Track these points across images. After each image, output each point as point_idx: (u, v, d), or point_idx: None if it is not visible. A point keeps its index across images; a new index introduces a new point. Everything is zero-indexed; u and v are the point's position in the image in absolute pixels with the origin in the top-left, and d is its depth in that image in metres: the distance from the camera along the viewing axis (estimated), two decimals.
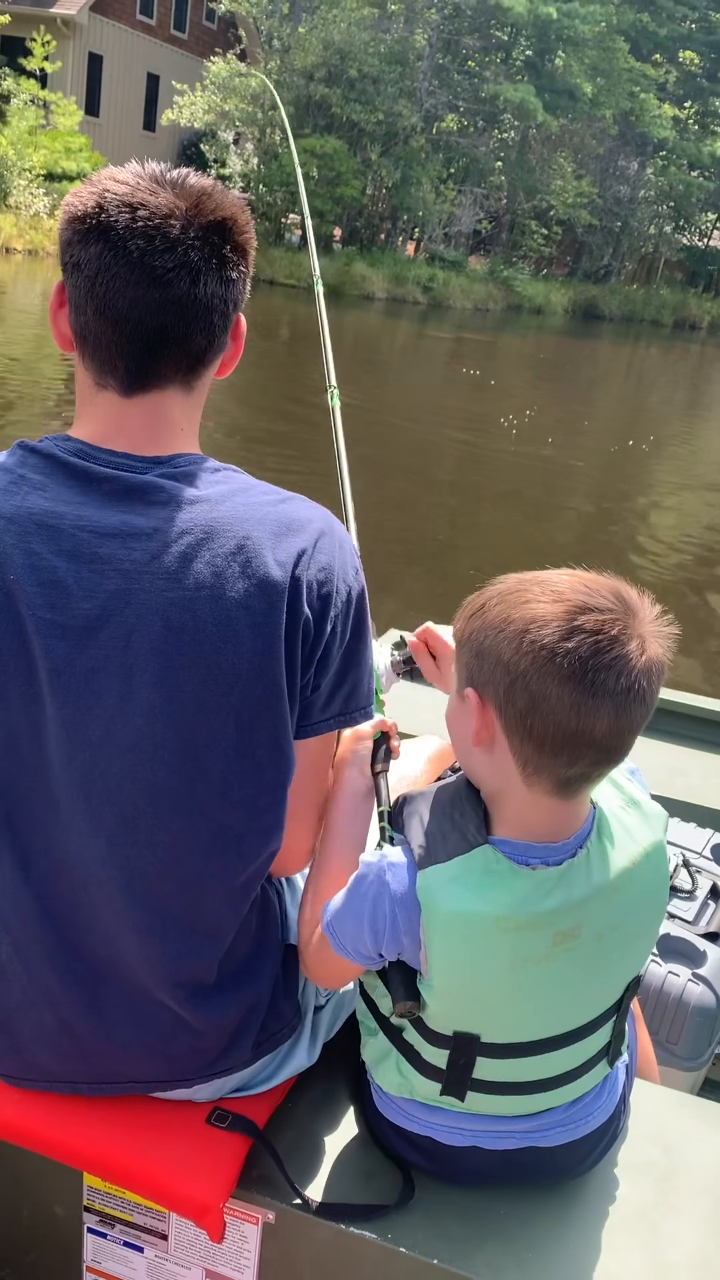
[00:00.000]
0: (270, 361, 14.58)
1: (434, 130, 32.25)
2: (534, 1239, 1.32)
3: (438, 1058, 1.25)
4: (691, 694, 2.90)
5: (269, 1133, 1.38)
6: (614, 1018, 1.31)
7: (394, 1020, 1.30)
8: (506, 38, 33.64)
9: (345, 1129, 1.44)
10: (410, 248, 33.33)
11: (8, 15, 22.74)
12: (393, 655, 1.58)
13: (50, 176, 22.56)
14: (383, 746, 1.41)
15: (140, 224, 1.14)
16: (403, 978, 1.22)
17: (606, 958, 1.24)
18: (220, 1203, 1.29)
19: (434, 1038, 1.24)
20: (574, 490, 10.26)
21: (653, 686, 1.09)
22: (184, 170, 1.21)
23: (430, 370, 17.89)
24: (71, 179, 22.95)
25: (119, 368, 1.19)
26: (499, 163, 34.91)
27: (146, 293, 1.15)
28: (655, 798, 2.43)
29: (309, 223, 2.28)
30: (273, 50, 27.79)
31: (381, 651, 1.54)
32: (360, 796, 1.38)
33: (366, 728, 1.42)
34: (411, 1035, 1.27)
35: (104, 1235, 1.45)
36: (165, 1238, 1.42)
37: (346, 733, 1.44)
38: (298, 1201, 1.31)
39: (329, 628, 1.21)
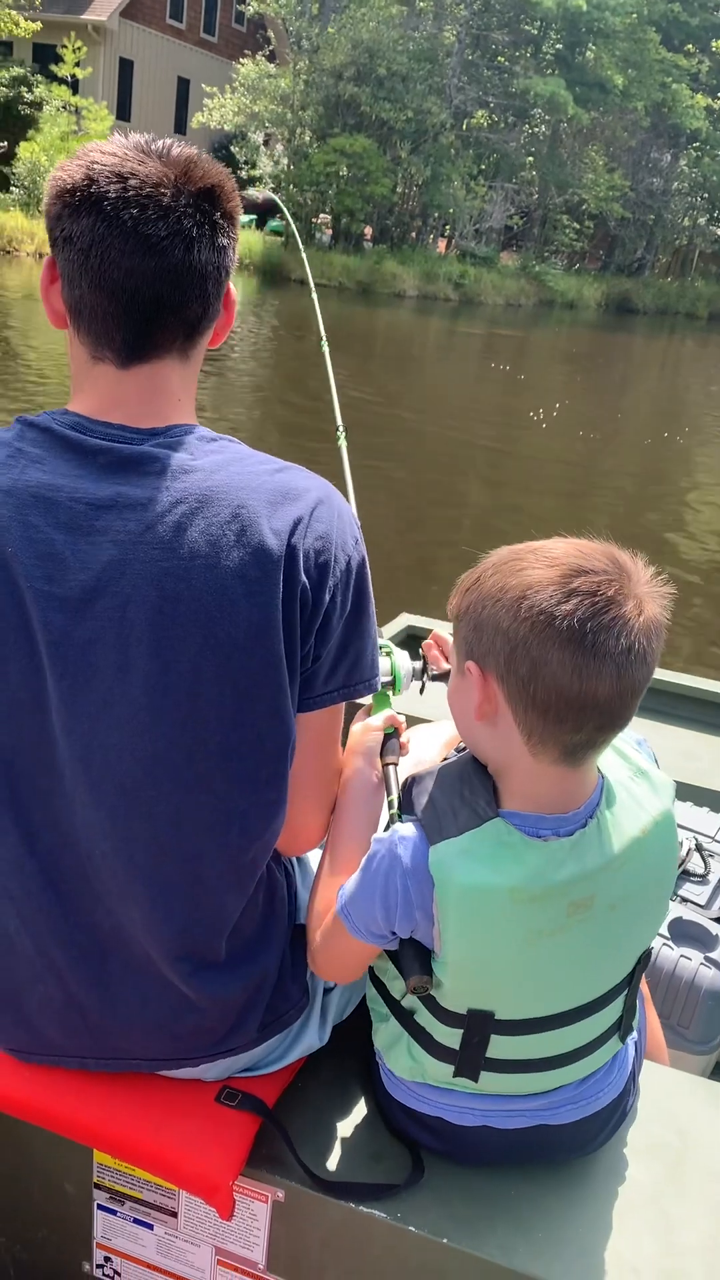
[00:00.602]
0: (307, 361, 14.61)
1: (464, 126, 32.19)
2: (544, 1219, 1.30)
3: (451, 1038, 1.24)
4: (704, 678, 2.89)
5: (278, 1112, 1.37)
6: (625, 992, 1.30)
7: (405, 1004, 1.29)
8: (536, 31, 33.53)
9: (355, 1110, 1.43)
10: (441, 244, 33.29)
11: (39, 23, 22.96)
12: (413, 664, 1.58)
13: None
14: (392, 739, 1.41)
15: (131, 193, 1.12)
16: (415, 953, 1.20)
17: (619, 929, 1.22)
18: (229, 1180, 1.28)
19: (447, 1017, 1.23)
20: (606, 483, 10.18)
21: (652, 646, 1.08)
22: (168, 140, 1.20)
23: (460, 366, 17.84)
24: None
25: (116, 339, 1.18)
26: (530, 157, 34.79)
27: (142, 261, 1.14)
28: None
29: (312, 287, 2.29)
30: (301, 50, 27.81)
31: (403, 654, 1.55)
32: (370, 787, 1.37)
33: (377, 720, 1.42)
34: (424, 1018, 1.26)
35: (114, 1212, 1.45)
36: (175, 1215, 1.42)
37: (356, 726, 1.44)
38: (307, 1180, 1.31)
39: (327, 597, 1.20)
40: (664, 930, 1.97)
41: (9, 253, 20.54)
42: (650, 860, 1.23)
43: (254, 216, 29.39)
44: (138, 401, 1.21)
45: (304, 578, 1.17)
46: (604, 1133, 1.37)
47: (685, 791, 2.35)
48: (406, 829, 1.19)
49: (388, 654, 1.53)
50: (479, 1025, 1.21)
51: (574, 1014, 1.23)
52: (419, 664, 1.59)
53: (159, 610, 1.14)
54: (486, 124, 33.61)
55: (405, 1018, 1.29)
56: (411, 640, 2.94)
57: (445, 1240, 1.26)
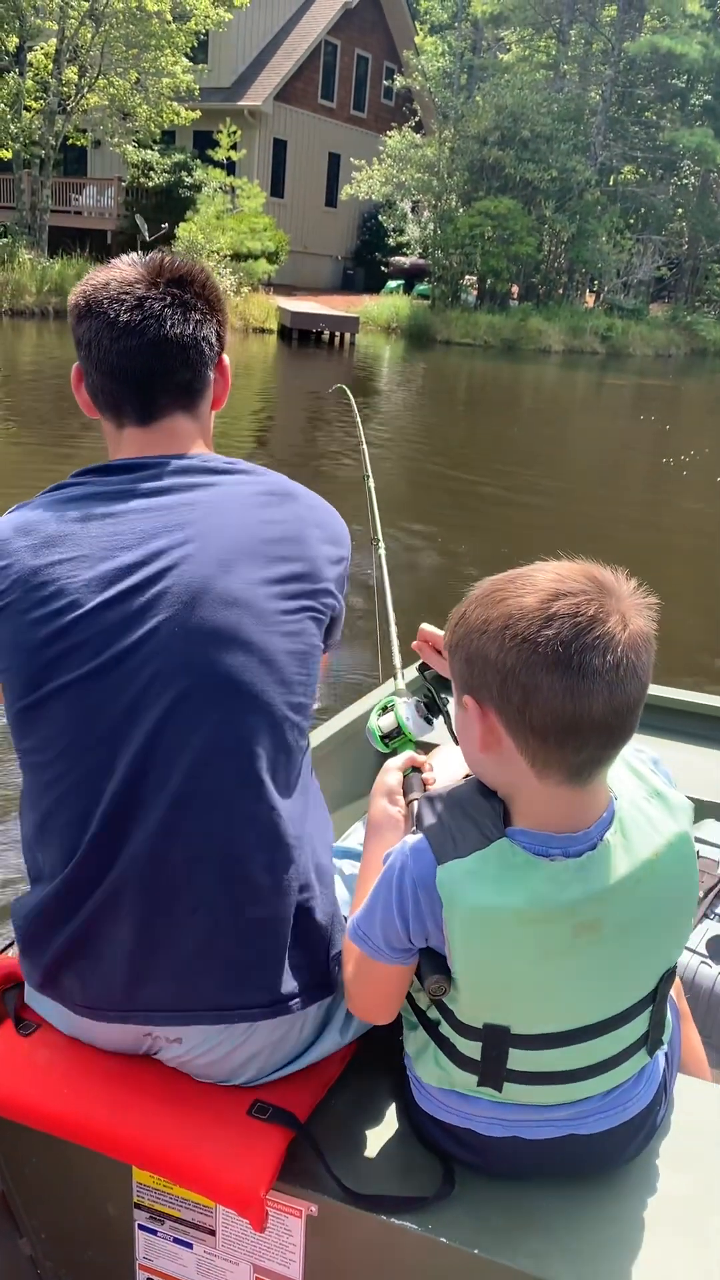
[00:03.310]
0: (450, 418, 14.81)
1: (610, 182, 32.21)
2: (577, 1229, 1.29)
3: (472, 1050, 1.24)
4: None
5: (310, 1126, 1.38)
6: (650, 1007, 1.27)
7: (429, 1015, 1.29)
8: (683, 84, 33.37)
9: (386, 1123, 1.43)
10: (589, 299, 33.24)
11: (198, 111, 24.35)
12: (415, 703, 1.63)
13: (237, 256, 23.86)
14: (414, 776, 1.43)
15: (113, 293, 1.41)
16: (432, 957, 1.21)
17: (633, 949, 1.20)
18: (262, 1191, 1.29)
19: (465, 1030, 1.23)
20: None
21: (641, 659, 1.07)
22: (156, 254, 1.47)
23: (605, 417, 17.68)
24: (256, 257, 24.20)
25: (128, 409, 1.44)
26: (679, 209, 34.46)
27: (126, 343, 1.40)
28: (700, 801, 2.36)
29: (371, 486, 2.45)
30: (447, 120, 28.50)
31: (406, 702, 1.60)
32: (393, 825, 1.38)
33: (398, 761, 1.44)
34: (446, 1029, 1.26)
35: (154, 1232, 1.47)
36: (213, 1233, 1.43)
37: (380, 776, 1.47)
38: (340, 1193, 1.31)
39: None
40: (702, 948, 1.94)
41: None
42: (665, 882, 1.20)
43: (401, 281, 30.12)
44: (164, 446, 1.44)
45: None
46: (634, 1143, 1.35)
47: (718, 810, 2.36)
48: (415, 839, 1.20)
49: (389, 709, 1.58)
50: (496, 1039, 1.21)
51: (593, 1030, 1.21)
52: (420, 700, 1.62)
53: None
54: (634, 178, 33.54)
55: (431, 1028, 1.29)
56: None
57: (477, 1251, 1.26)
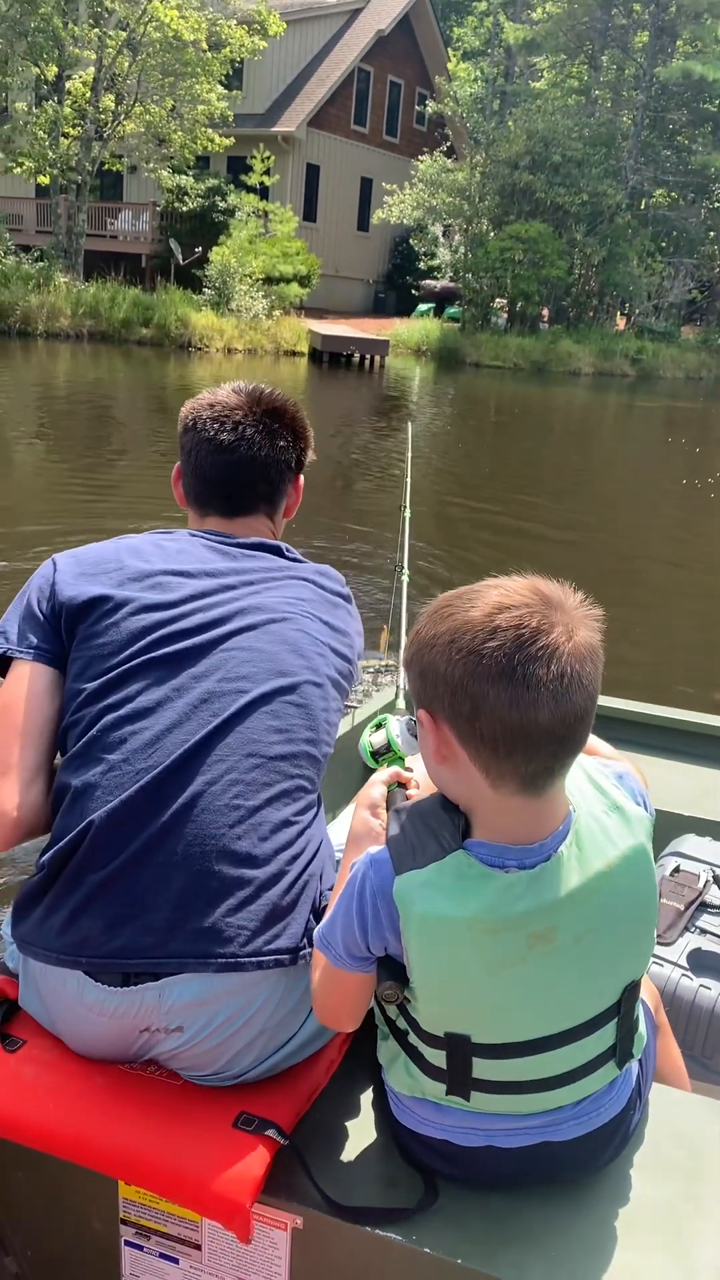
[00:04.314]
0: (477, 443, 14.85)
1: (641, 205, 32.27)
2: (557, 1237, 1.31)
3: (438, 1058, 1.27)
4: None
5: (295, 1139, 1.39)
6: (616, 1019, 1.29)
7: (399, 1024, 1.31)
8: (715, 109, 33.42)
9: (369, 1134, 1.45)
10: (620, 321, 33.26)
11: (232, 138, 24.69)
12: (408, 721, 1.65)
13: (269, 280, 24.12)
14: (399, 791, 1.45)
15: (215, 416, 1.70)
16: (390, 965, 1.24)
17: (590, 960, 1.22)
18: (248, 1203, 1.30)
19: (429, 1039, 1.26)
20: None
21: (586, 669, 1.09)
22: (260, 385, 1.77)
23: (636, 440, 17.67)
24: (288, 281, 24.45)
25: (213, 508, 1.73)
26: (710, 232, 34.46)
27: (219, 458, 1.69)
28: (689, 818, 2.43)
29: (406, 521, 2.54)
30: (479, 145, 28.70)
31: (398, 720, 1.62)
32: (373, 836, 1.39)
33: (383, 775, 1.47)
34: (414, 1039, 1.29)
35: (140, 1248, 1.48)
36: (199, 1248, 1.44)
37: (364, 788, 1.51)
38: (324, 1206, 1.32)
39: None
40: (683, 961, 1.96)
41: (201, 349, 21.88)
42: (620, 894, 1.22)
43: (432, 305, 30.30)
44: (241, 535, 1.70)
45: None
46: (610, 1149, 1.37)
47: (705, 827, 2.42)
48: (378, 852, 1.23)
49: (381, 726, 1.60)
50: (458, 1048, 1.24)
51: (554, 1040, 1.24)
52: (412, 719, 1.64)
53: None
54: (665, 202, 33.59)
55: (401, 1038, 1.32)
56: None
57: (460, 1261, 1.28)
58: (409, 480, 2.60)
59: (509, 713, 1.08)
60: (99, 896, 1.36)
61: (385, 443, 13.16)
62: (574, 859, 1.19)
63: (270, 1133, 1.36)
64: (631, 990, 1.30)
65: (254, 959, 1.37)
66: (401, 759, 1.55)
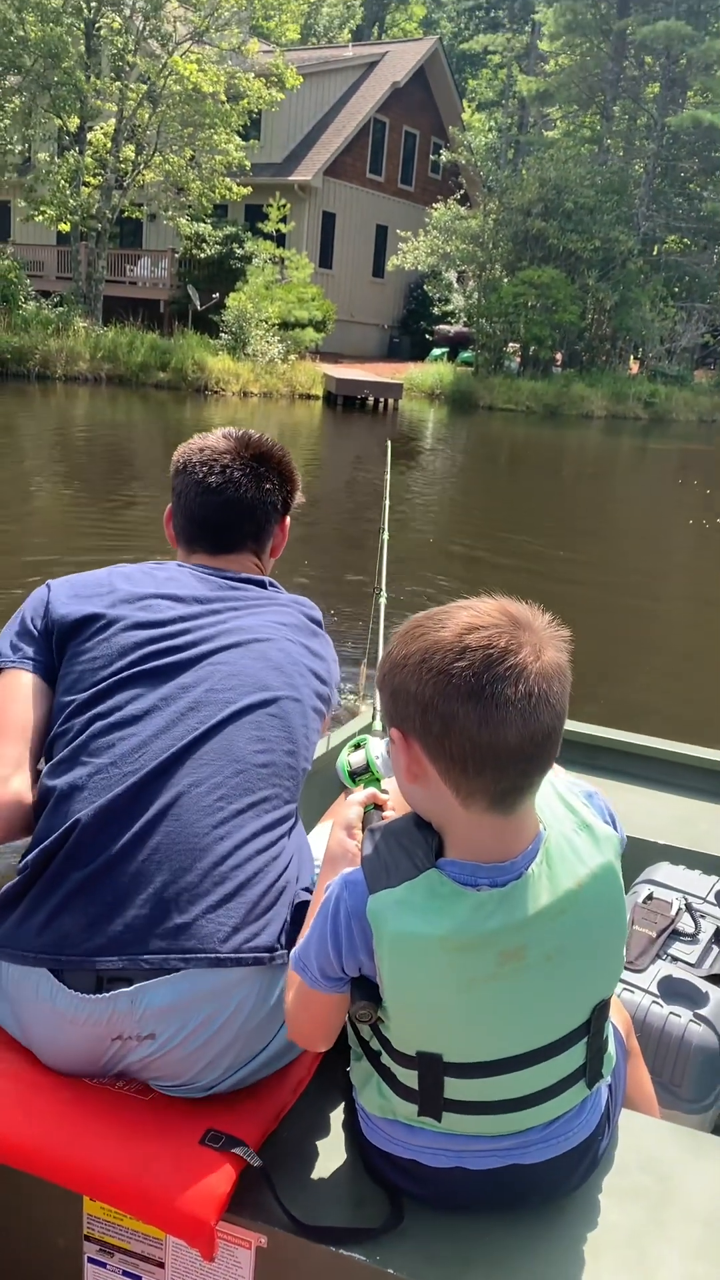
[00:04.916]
0: (494, 484, 14.93)
1: (654, 251, 32.60)
2: (521, 1260, 1.31)
3: (410, 1079, 1.28)
4: (700, 747, 2.94)
5: (262, 1157, 1.40)
6: (585, 1039, 1.30)
7: (372, 1044, 1.32)
8: None
9: (336, 1154, 1.45)
10: (634, 365, 33.49)
11: (250, 187, 25.16)
12: (388, 742, 1.67)
13: (284, 325, 24.45)
14: (374, 812, 1.47)
15: (205, 458, 1.79)
16: (363, 986, 1.26)
17: (560, 978, 1.23)
18: (212, 1220, 1.31)
19: (401, 1059, 1.27)
20: None
21: (553, 689, 1.12)
22: (250, 430, 1.83)
23: (649, 482, 17.74)
24: (303, 326, 24.78)
25: (202, 544, 1.80)
26: None
27: (208, 499, 1.77)
28: (663, 846, 2.48)
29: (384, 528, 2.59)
30: (492, 192, 29.12)
31: (378, 741, 1.63)
32: (348, 857, 1.41)
33: (359, 795, 1.49)
34: (386, 1059, 1.30)
35: (104, 1265, 1.49)
36: (163, 1265, 1.45)
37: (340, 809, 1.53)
38: (289, 1225, 1.33)
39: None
40: (654, 988, 1.97)
41: (217, 393, 22.16)
42: (589, 912, 1.24)
43: (446, 349, 30.61)
44: (227, 570, 1.77)
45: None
46: (578, 1173, 1.37)
47: (680, 855, 2.45)
48: (353, 874, 1.25)
49: (360, 746, 1.62)
50: (430, 1067, 1.24)
51: (525, 1059, 1.24)
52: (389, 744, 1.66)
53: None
54: (678, 248, 33.94)
55: (374, 1058, 1.33)
56: None
57: None
58: (387, 503, 2.64)
59: (478, 731, 1.10)
60: (81, 893, 1.40)
61: (393, 479, 13.24)
62: (544, 877, 1.21)
63: (237, 1150, 1.37)
64: (601, 1009, 1.31)
65: (233, 955, 1.40)
66: (379, 780, 1.58)
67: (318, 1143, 1.48)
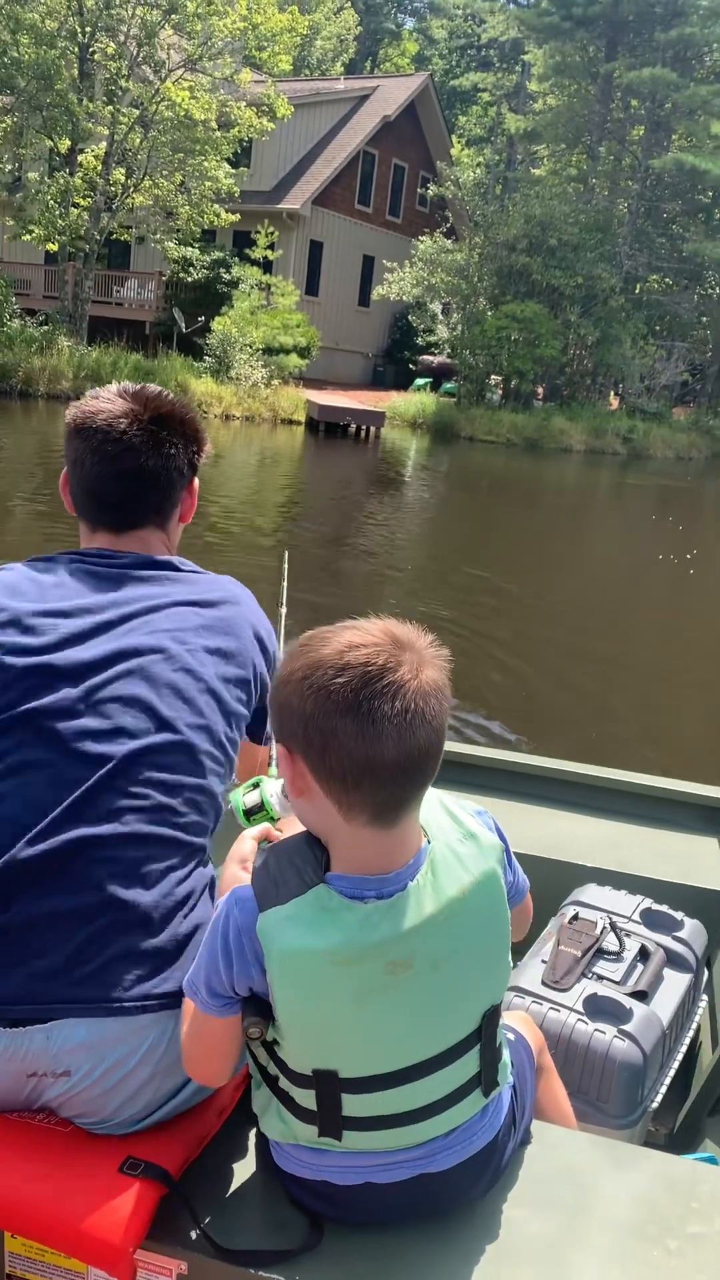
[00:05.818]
0: (471, 514, 15.02)
1: (635, 290, 33.06)
2: (440, 1272, 1.33)
3: (307, 1099, 1.29)
4: (625, 771, 3.01)
5: (182, 1184, 1.41)
6: (478, 1046, 1.32)
7: (269, 1070, 1.34)
8: (708, 200, 34.43)
9: (256, 1178, 1.46)
10: (614, 401, 33.86)
11: (238, 214, 25.35)
12: (284, 784, 1.68)
13: (269, 350, 24.58)
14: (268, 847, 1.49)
15: (100, 424, 1.63)
16: (255, 1003, 1.27)
17: (448, 986, 1.26)
18: (131, 1248, 1.32)
19: (298, 1079, 1.29)
20: None
21: (431, 706, 1.15)
22: (149, 386, 1.68)
23: (626, 518, 17.92)
24: (287, 352, 24.92)
25: (104, 522, 1.68)
26: (703, 318, 35.26)
27: (106, 469, 1.64)
28: (590, 869, 2.53)
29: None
30: (478, 227, 29.48)
31: (275, 782, 1.63)
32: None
33: (254, 831, 1.50)
34: (284, 1083, 1.31)
35: None
36: None
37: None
38: (210, 1250, 1.34)
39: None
40: (579, 1006, 2.00)
41: (199, 415, 22.18)
42: (473, 919, 1.27)
43: (429, 379, 30.86)
44: (132, 549, 1.66)
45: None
46: (486, 1176, 1.40)
47: (605, 876, 2.51)
48: (242, 890, 1.27)
49: (257, 785, 1.63)
50: (327, 1084, 1.27)
51: (418, 1070, 1.27)
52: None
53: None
54: (659, 287, 34.43)
55: (272, 1083, 1.34)
56: None
57: None
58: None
59: (355, 746, 1.14)
60: None
61: (372, 506, 13.33)
62: (429, 887, 1.24)
63: (157, 1177, 1.38)
64: (491, 1016, 1.33)
65: (138, 1004, 1.39)
66: (274, 819, 1.59)
67: (238, 1167, 1.49)
